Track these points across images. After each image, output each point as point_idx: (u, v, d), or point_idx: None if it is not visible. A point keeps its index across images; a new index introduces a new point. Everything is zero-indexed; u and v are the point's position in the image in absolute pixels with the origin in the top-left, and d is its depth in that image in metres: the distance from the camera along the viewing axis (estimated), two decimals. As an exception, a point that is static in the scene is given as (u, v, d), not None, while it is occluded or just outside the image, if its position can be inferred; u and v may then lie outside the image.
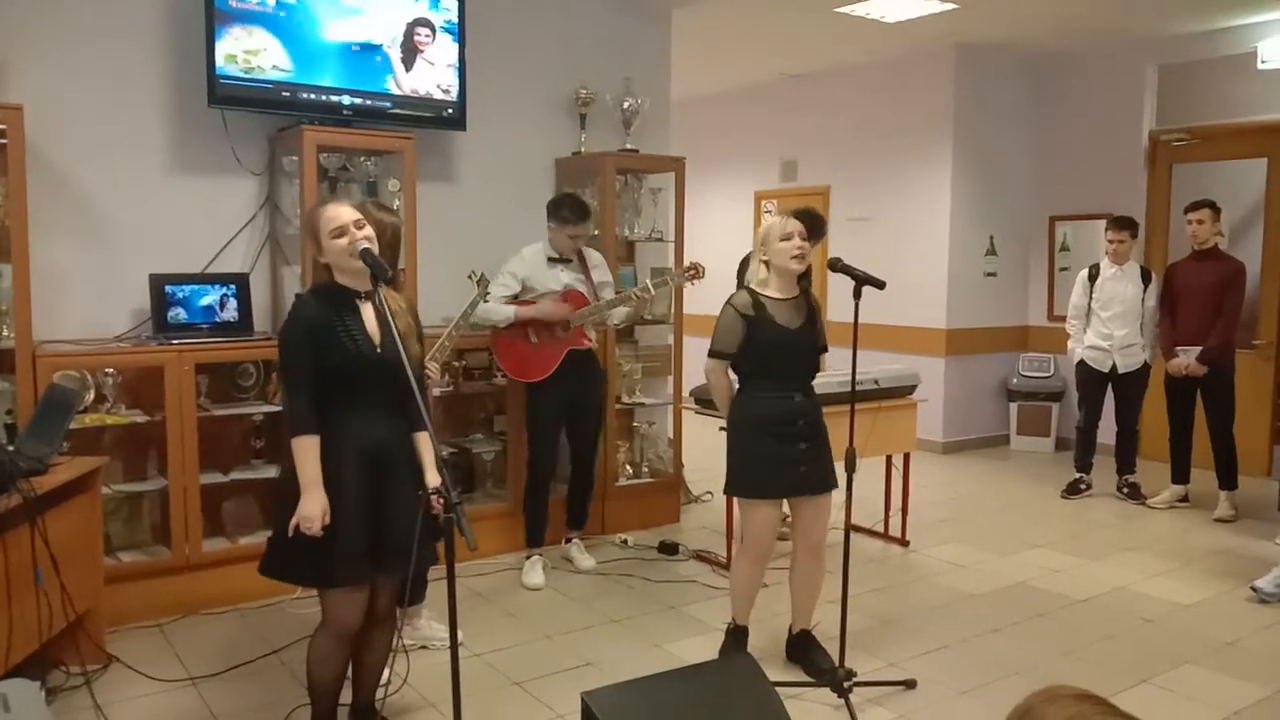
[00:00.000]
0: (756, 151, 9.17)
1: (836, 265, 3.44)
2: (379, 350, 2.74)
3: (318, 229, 2.75)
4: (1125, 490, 6.21)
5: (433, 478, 2.78)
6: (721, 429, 3.67)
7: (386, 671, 3.04)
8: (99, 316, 4.26)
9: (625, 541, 5.23)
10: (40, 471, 3.16)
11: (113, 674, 3.55)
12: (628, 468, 5.59)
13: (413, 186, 4.58)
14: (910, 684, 3.51)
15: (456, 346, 4.61)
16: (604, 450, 5.14)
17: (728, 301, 3.53)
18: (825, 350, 3.61)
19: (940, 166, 7.55)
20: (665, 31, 5.97)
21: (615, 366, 5.32)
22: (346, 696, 3.01)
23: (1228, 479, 5.78)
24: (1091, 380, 6.19)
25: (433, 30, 4.77)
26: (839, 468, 3.51)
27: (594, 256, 4.83)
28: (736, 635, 3.70)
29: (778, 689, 2.62)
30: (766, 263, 3.48)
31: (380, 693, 3.04)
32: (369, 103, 4.62)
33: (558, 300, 4.60)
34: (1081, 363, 6.21)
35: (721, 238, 8.99)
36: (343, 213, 2.75)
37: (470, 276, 4.46)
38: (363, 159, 4.67)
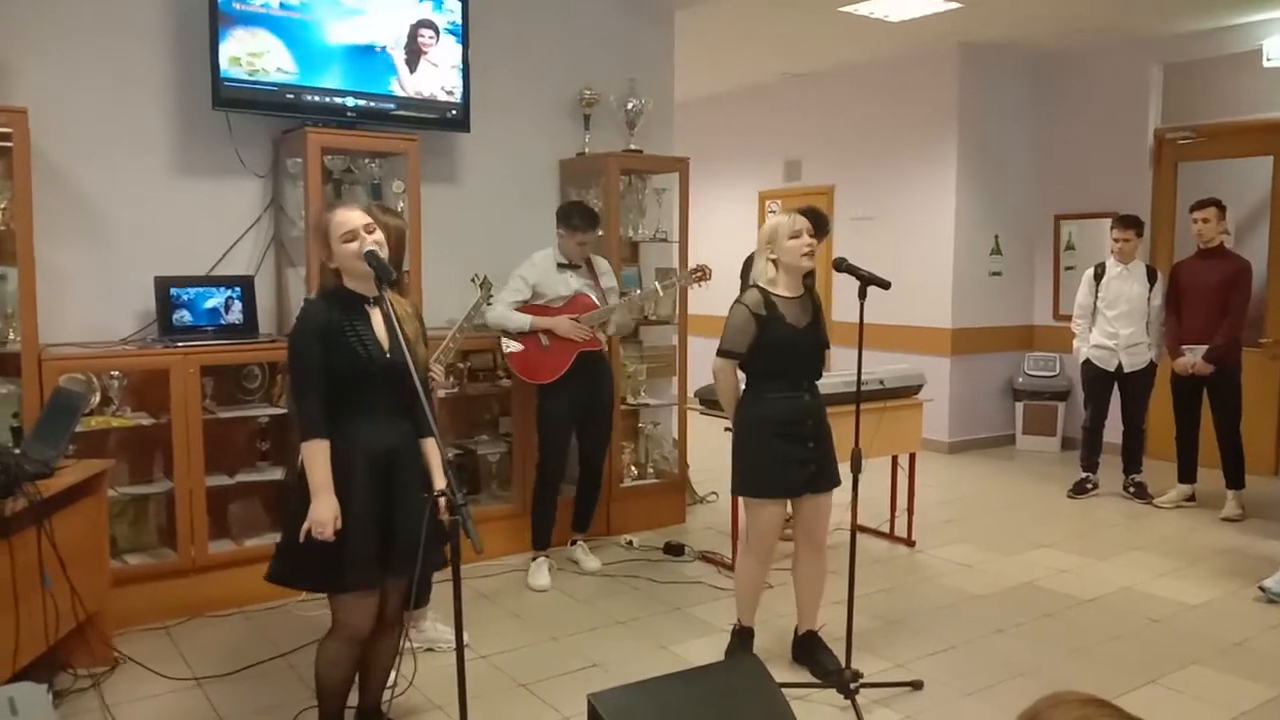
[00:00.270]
0: (760, 151, 9.17)
1: (842, 265, 3.43)
2: (388, 355, 2.74)
3: (328, 233, 2.75)
4: (1132, 489, 6.20)
5: (439, 481, 2.79)
6: (727, 429, 3.66)
7: (393, 674, 3.04)
8: (104, 319, 4.27)
9: (630, 543, 5.23)
10: (46, 475, 3.17)
11: (120, 676, 3.55)
12: (633, 469, 5.59)
13: (417, 188, 4.58)
14: (917, 685, 3.50)
15: (461, 348, 4.62)
16: (609, 451, 5.14)
17: (738, 300, 3.52)
18: (828, 347, 3.62)
19: (945, 166, 7.54)
20: (669, 32, 5.97)
21: (620, 367, 5.32)
22: (353, 699, 3.01)
23: (1235, 478, 5.76)
24: (1097, 379, 6.18)
25: (436, 32, 4.77)
26: (843, 466, 3.51)
27: (601, 264, 4.85)
28: (742, 636, 3.70)
29: (784, 690, 2.62)
30: (774, 261, 3.47)
31: (387, 695, 3.05)
32: (373, 104, 4.62)
33: (565, 306, 4.62)
34: (1087, 362, 6.19)
35: (725, 238, 8.98)
36: (353, 217, 2.75)
37: (473, 279, 4.47)
38: (367, 161, 4.67)
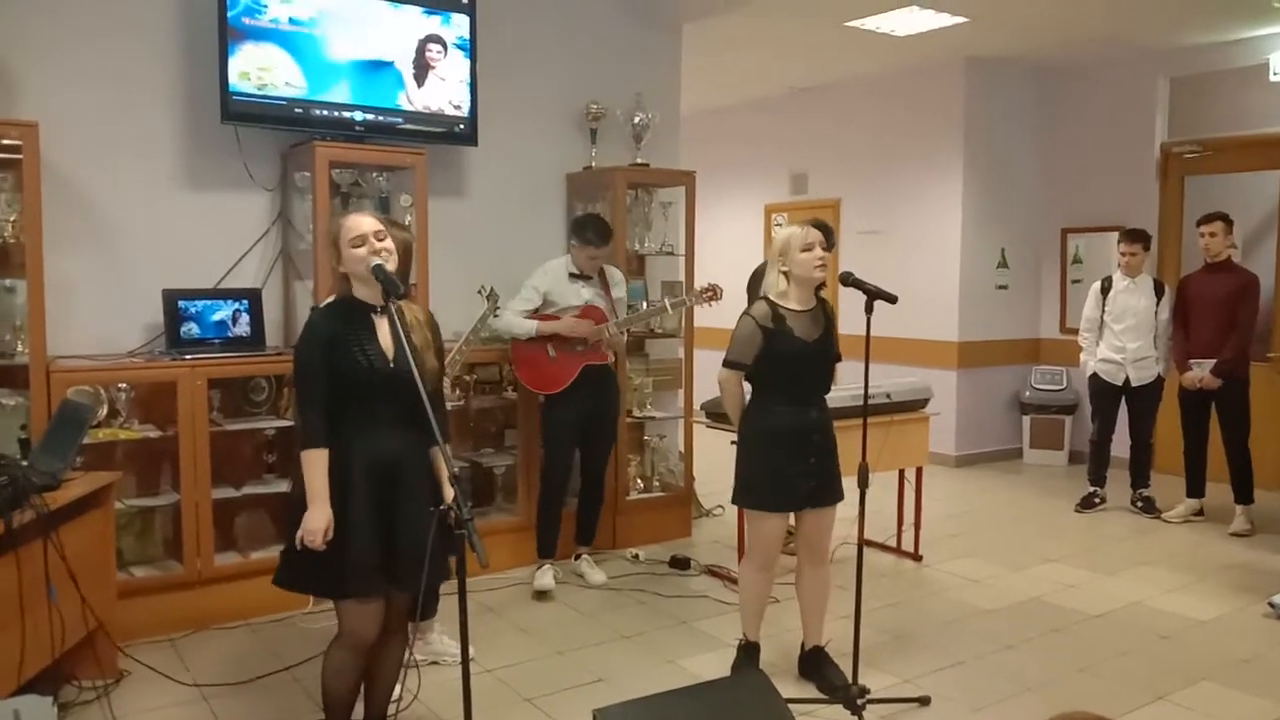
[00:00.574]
0: (766, 164, 9.18)
1: (848, 280, 3.43)
2: (391, 365, 2.75)
3: (338, 238, 2.77)
4: (1140, 504, 6.17)
5: (447, 492, 2.79)
6: (733, 443, 3.66)
7: (398, 687, 3.03)
8: (112, 332, 4.28)
9: (636, 556, 5.21)
10: (53, 487, 3.18)
11: (125, 689, 3.55)
12: (638, 482, 5.58)
13: (424, 202, 4.59)
14: (924, 701, 3.48)
15: (467, 360, 4.64)
16: (615, 464, 5.14)
17: (746, 312, 3.52)
18: (840, 359, 3.60)
19: (951, 179, 7.54)
20: (675, 46, 5.99)
21: (626, 380, 5.32)
22: (358, 712, 3.00)
23: (1243, 493, 5.73)
24: (1104, 393, 6.16)
25: (444, 46, 4.79)
26: (849, 480, 3.50)
27: (614, 274, 4.86)
28: (748, 651, 3.68)
29: (790, 705, 2.61)
30: (786, 274, 3.47)
31: (392, 708, 3.04)
32: (381, 119, 4.64)
33: (577, 316, 4.62)
34: (1094, 376, 6.18)
35: (732, 251, 8.96)
36: (364, 222, 2.77)
37: (480, 291, 4.48)
38: (375, 175, 4.69)
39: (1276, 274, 6.67)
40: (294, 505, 2.81)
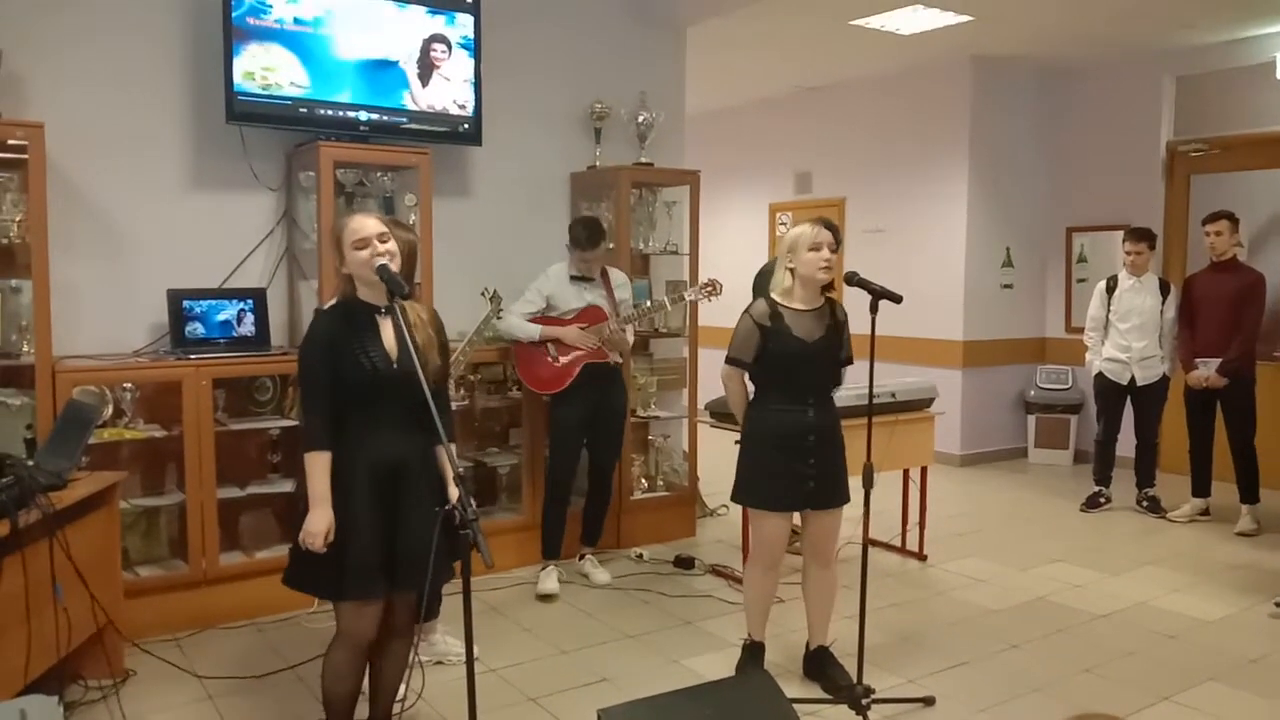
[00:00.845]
0: (771, 164, 9.18)
1: (853, 279, 3.42)
2: (395, 366, 2.75)
3: (341, 239, 2.77)
4: (1145, 504, 6.16)
5: (452, 492, 2.79)
6: (737, 442, 3.66)
7: (402, 687, 3.04)
8: (117, 332, 4.29)
9: (640, 556, 5.21)
10: (59, 486, 3.18)
11: (131, 688, 3.55)
12: (643, 481, 5.58)
13: (429, 201, 4.60)
14: (929, 701, 3.47)
15: (472, 360, 4.64)
16: (619, 464, 5.14)
17: (746, 310, 3.52)
18: (850, 363, 3.58)
19: (956, 178, 7.53)
20: (680, 45, 5.99)
21: (630, 380, 5.32)
22: (362, 711, 3.01)
23: (1249, 492, 5.72)
24: (1110, 392, 6.15)
25: (449, 46, 4.79)
26: (853, 481, 3.49)
27: (618, 276, 4.86)
28: (753, 651, 3.68)
29: (795, 705, 2.61)
30: (792, 271, 3.46)
31: (396, 708, 3.04)
32: (385, 119, 4.64)
33: (576, 317, 4.64)
34: (1100, 375, 6.17)
35: (736, 250, 9.00)
36: (368, 224, 2.77)
37: (484, 293, 4.48)
38: (379, 174, 4.69)
39: (1283, 273, 6.65)
40: (299, 505, 2.82)
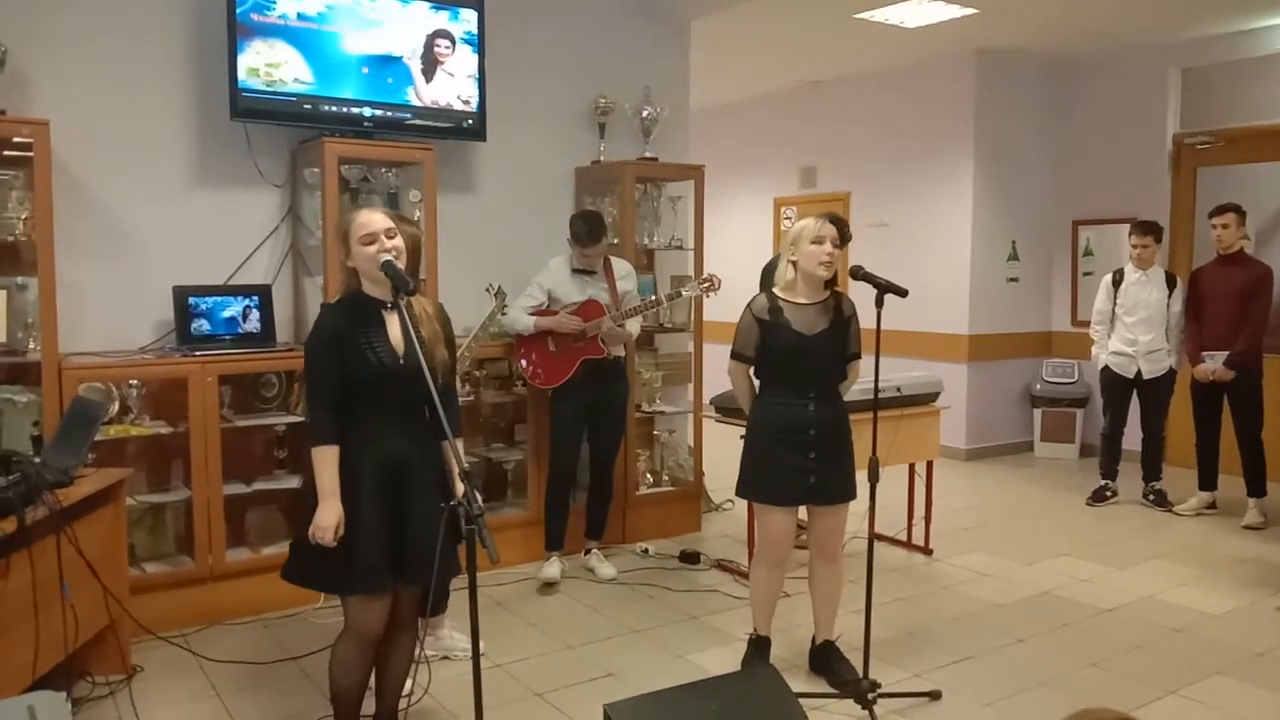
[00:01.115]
0: (776, 158, 9.16)
1: (859, 273, 3.41)
2: (401, 361, 2.75)
3: (349, 234, 2.77)
4: (1151, 497, 6.15)
5: (458, 488, 2.78)
6: (742, 436, 3.66)
7: (409, 682, 3.04)
8: (123, 329, 4.29)
9: (646, 551, 5.22)
10: (66, 483, 3.19)
11: (138, 684, 3.56)
12: (648, 476, 5.58)
13: (433, 197, 4.60)
14: (935, 695, 3.47)
15: (476, 357, 4.65)
16: (624, 459, 5.14)
17: (747, 304, 3.53)
18: (857, 357, 3.56)
19: (961, 172, 7.51)
20: (684, 40, 5.98)
21: (635, 374, 5.32)
22: (369, 707, 3.01)
23: (1256, 485, 5.71)
24: (1116, 386, 6.14)
25: (453, 42, 4.79)
26: (860, 476, 3.49)
27: (622, 267, 4.86)
28: (758, 646, 3.68)
29: (801, 700, 2.61)
30: (795, 264, 3.46)
31: (403, 703, 3.05)
32: (389, 114, 4.64)
33: (573, 312, 4.64)
34: (1106, 368, 6.15)
35: (741, 245, 8.99)
36: (375, 219, 2.77)
37: (488, 289, 4.48)
38: (383, 170, 4.69)
39: (1290, 266, 6.63)
40: (304, 501, 2.82)
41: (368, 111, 4.57)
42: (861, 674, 3.37)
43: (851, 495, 3.55)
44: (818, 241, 3.39)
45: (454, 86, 4.81)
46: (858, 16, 6.29)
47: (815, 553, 3.63)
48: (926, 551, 5.21)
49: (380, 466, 2.76)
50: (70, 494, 3.16)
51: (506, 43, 5.16)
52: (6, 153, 3.84)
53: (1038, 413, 7.83)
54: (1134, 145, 7.36)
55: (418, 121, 4.73)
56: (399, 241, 2.77)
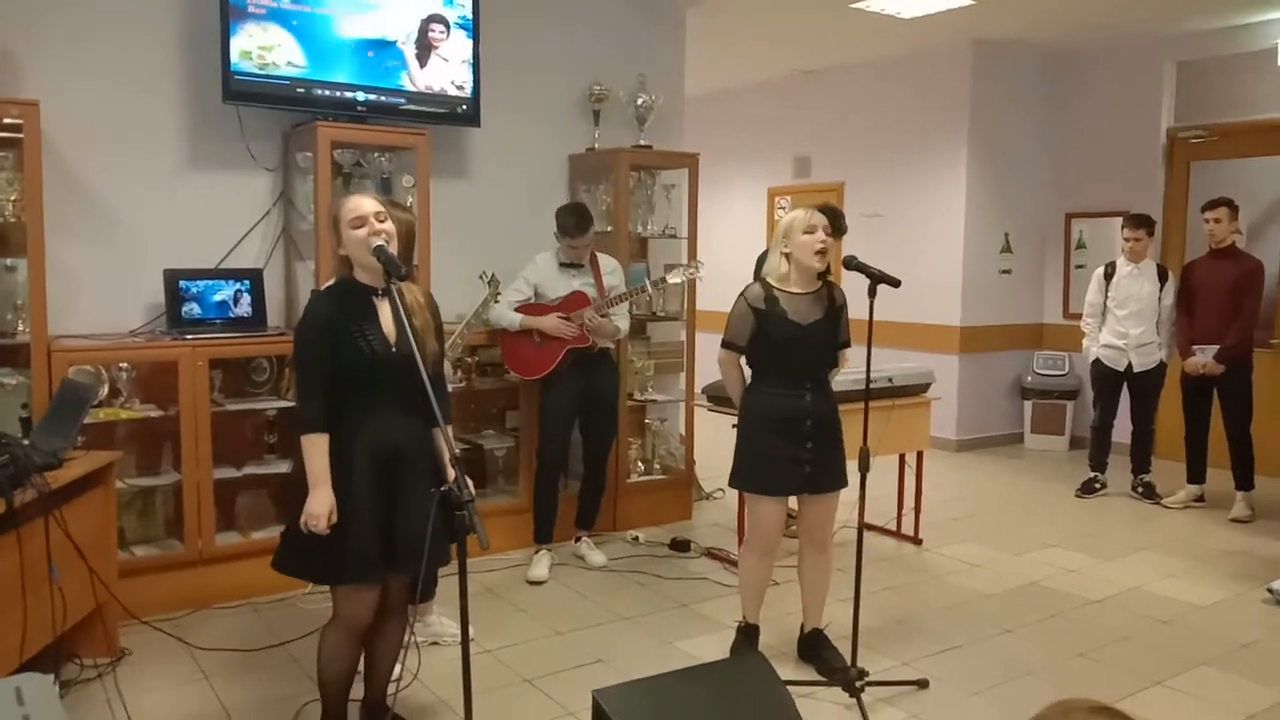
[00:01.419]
0: (770, 148, 9.14)
1: (852, 264, 3.41)
2: (393, 349, 2.74)
3: (339, 218, 2.75)
4: (1140, 490, 6.17)
5: (449, 474, 2.78)
6: (734, 426, 3.66)
7: (398, 668, 3.04)
8: (113, 312, 4.27)
9: (637, 538, 5.22)
10: (55, 466, 3.18)
11: (126, 667, 3.56)
12: (639, 464, 5.58)
13: (426, 183, 4.58)
14: (922, 684, 3.49)
15: (468, 343, 4.64)
16: (615, 447, 5.14)
17: (741, 293, 3.52)
18: (847, 345, 3.58)
19: (955, 163, 7.51)
20: (679, 27, 5.96)
21: (627, 363, 5.32)
22: (358, 692, 3.02)
23: (1244, 479, 5.74)
24: (1107, 379, 6.15)
25: (447, 26, 4.76)
26: (851, 465, 3.49)
27: (608, 262, 4.84)
28: (747, 633, 3.69)
29: (789, 688, 2.62)
30: (787, 255, 3.46)
31: (391, 689, 3.05)
32: (383, 99, 4.62)
33: (558, 304, 4.62)
34: (1097, 361, 6.17)
35: (735, 234, 8.99)
36: (364, 204, 2.75)
37: (481, 276, 4.47)
38: (377, 155, 4.67)
39: (1281, 260, 6.65)
40: (293, 489, 2.81)
41: (361, 96, 4.55)
42: (850, 662, 3.39)
43: (844, 483, 3.56)
44: (809, 231, 3.39)
45: (448, 71, 4.79)
46: (854, 6, 6.28)
47: (805, 540, 3.64)
48: (916, 541, 5.23)
49: (374, 455, 2.74)
50: (59, 476, 3.16)
51: (501, 28, 5.14)
52: (-4, 134, 3.82)
53: (1028, 404, 7.86)
54: (1128, 138, 7.37)
55: (411, 106, 4.71)
56: (389, 225, 2.75)
